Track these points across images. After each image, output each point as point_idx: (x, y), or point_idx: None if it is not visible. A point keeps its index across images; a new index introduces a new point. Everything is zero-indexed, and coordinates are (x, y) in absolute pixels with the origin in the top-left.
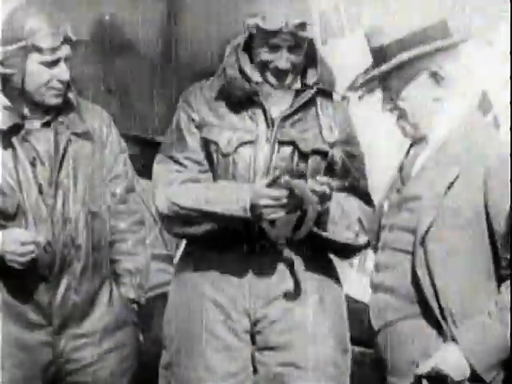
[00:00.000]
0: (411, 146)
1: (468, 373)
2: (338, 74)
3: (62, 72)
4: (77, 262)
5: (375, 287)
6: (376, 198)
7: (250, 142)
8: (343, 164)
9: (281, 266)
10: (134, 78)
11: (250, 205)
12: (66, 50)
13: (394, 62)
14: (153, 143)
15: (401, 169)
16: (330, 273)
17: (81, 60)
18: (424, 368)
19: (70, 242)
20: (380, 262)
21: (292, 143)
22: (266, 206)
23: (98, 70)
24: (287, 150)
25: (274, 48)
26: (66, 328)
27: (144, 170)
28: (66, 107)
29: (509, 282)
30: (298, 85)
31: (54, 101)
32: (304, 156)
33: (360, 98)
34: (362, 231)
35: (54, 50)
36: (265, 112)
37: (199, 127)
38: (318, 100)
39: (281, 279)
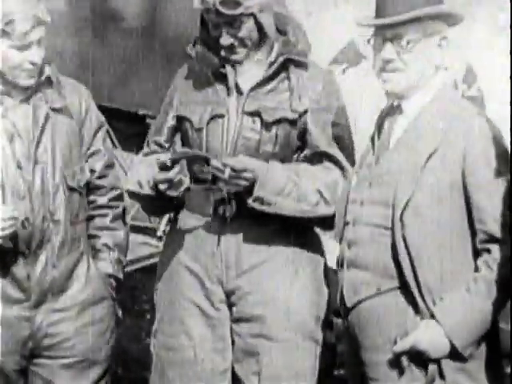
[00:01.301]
0: (384, 118)
1: (448, 350)
2: (323, 47)
3: (34, 55)
4: (55, 236)
5: (348, 264)
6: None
7: (222, 116)
8: (313, 131)
9: (253, 238)
10: (119, 52)
11: (153, 184)
12: (38, 33)
13: (412, 14)
14: (137, 117)
15: (372, 143)
16: (308, 245)
17: (66, 33)
18: (402, 345)
19: (49, 216)
20: (352, 237)
21: (257, 113)
22: (162, 183)
23: (81, 44)
24: (254, 120)
25: (215, 25)
26: (43, 303)
27: (127, 143)
28: (44, 83)
29: (486, 256)
30: (262, 55)
31: (26, 82)
32: (269, 125)
33: (344, 70)
34: (322, 202)
35: (24, 34)
36: (235, 84)
37: (177, 107)
38: (292, 70)
39: (253, 251)
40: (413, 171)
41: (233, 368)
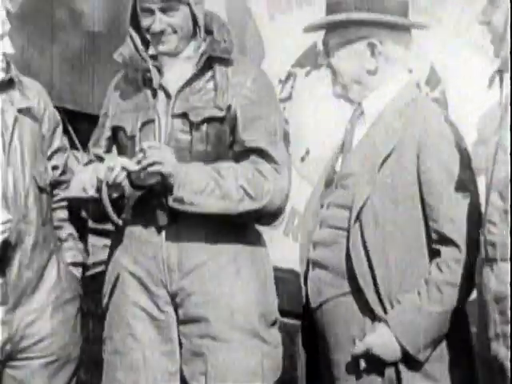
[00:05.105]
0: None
1: (399, 354)
2: (286, 49)
3: (6, 46)
4: (28, 237)
5: (313, 264)
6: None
7: (152, 121)
8: (241, 127)
9: (195, 239)
10: (81, 53)
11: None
12: (8, 25)
13: (338, 17)
14: (98, 118)
15: (342, 145)
16: (250, 244)
17: (26, 34)
18: (358, 348)
19: (22, 217)
20: (317, 239)
21: (185, 115)
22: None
23: (42, 45)
24: (183, 122)
25: (149, 12)
26: (19, 305)
27: (79, 143)
28: (7, 85)
29: (437, 258)
30: (189, 54)
31: None
32: (198, 125)
33: (307, 73)
34: (247, 197)
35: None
36: (162, 87)
37: (112, 117)
38: (217, 68)
39: (195, 252)
40: (370, 173)
41: (181, 370)
